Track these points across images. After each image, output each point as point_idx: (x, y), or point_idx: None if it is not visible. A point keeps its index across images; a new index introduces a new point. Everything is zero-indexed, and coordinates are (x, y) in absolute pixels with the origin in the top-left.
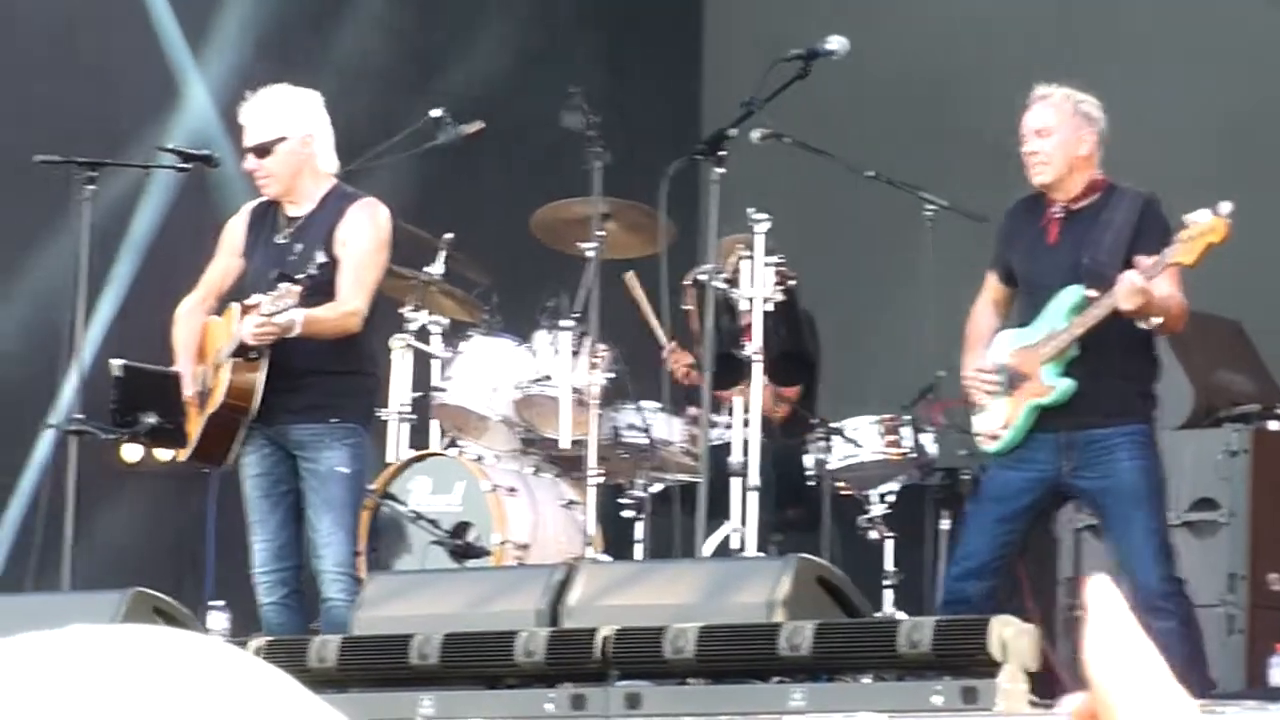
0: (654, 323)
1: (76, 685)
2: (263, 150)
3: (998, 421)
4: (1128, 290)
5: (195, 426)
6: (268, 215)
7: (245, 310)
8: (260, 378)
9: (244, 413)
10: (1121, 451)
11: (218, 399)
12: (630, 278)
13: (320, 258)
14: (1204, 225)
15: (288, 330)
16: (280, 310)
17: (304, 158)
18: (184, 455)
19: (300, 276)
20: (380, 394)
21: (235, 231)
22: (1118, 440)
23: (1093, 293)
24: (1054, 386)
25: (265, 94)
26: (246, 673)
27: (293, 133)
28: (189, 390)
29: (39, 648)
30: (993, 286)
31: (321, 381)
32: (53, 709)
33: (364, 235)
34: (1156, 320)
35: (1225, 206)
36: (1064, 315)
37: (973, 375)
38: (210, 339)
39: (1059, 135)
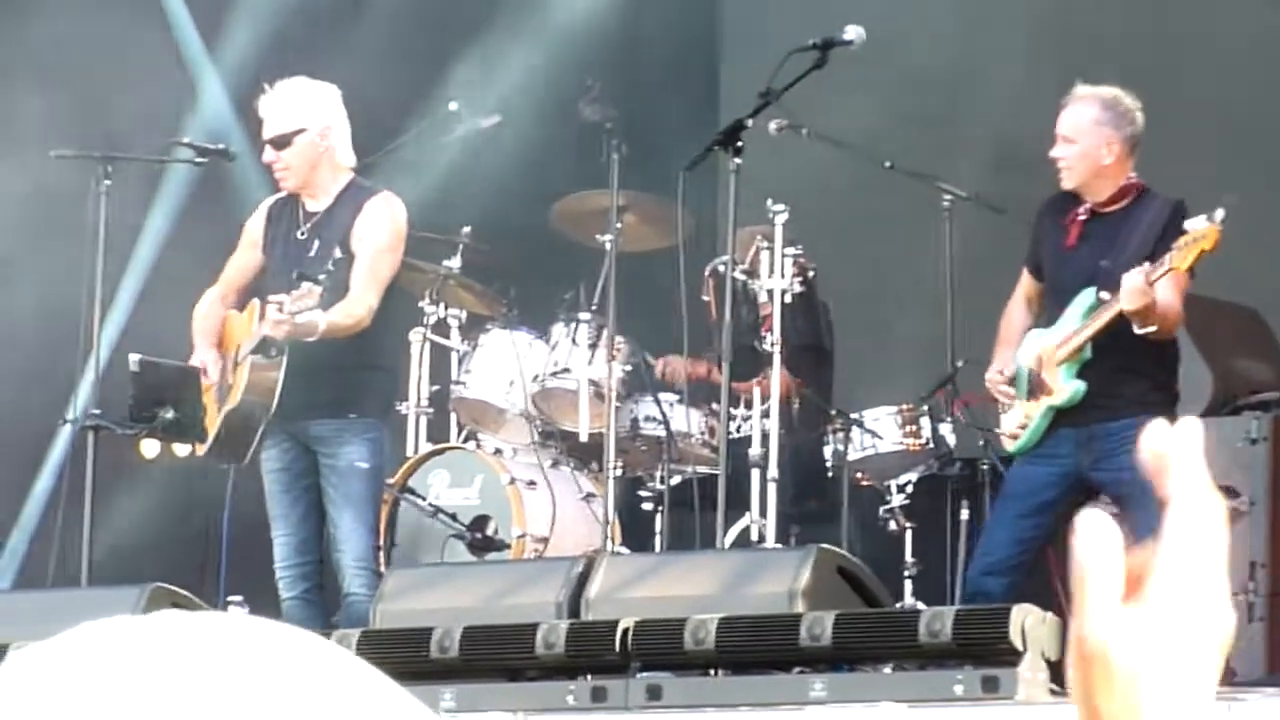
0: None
1: (180, 672)
2: (281, 142)
3: (1016, 421)
4: (1130, 291)
5: (214, 422)
6: (286, 210)
7: (266, 307)
8: (279, 374)
9: (263, 409)
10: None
11: (237, 395)
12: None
13: (336, 253)
14: (1199, 232)
15: (309, 332)
16: (301, 310)
17: (322, 150)
18: (203, 450)
19: (321, 276)
20: (399, 388)
21: (255, 227)
22: (1135, 433)
23: (1105, 295)
24: (1067, 388)
25: (284, 86)
26: (344, 663)
27: (311, 125)
28: (212, 376)
29: (136, 634)
30: (1026, 283)
31: (340, 377)
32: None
33: (379, 230)
34: (1152, 327)
35: (1219, 213)
36: (1079, 317)
37: (992, 382)
38: (230, 333)
39: (1082, 143)
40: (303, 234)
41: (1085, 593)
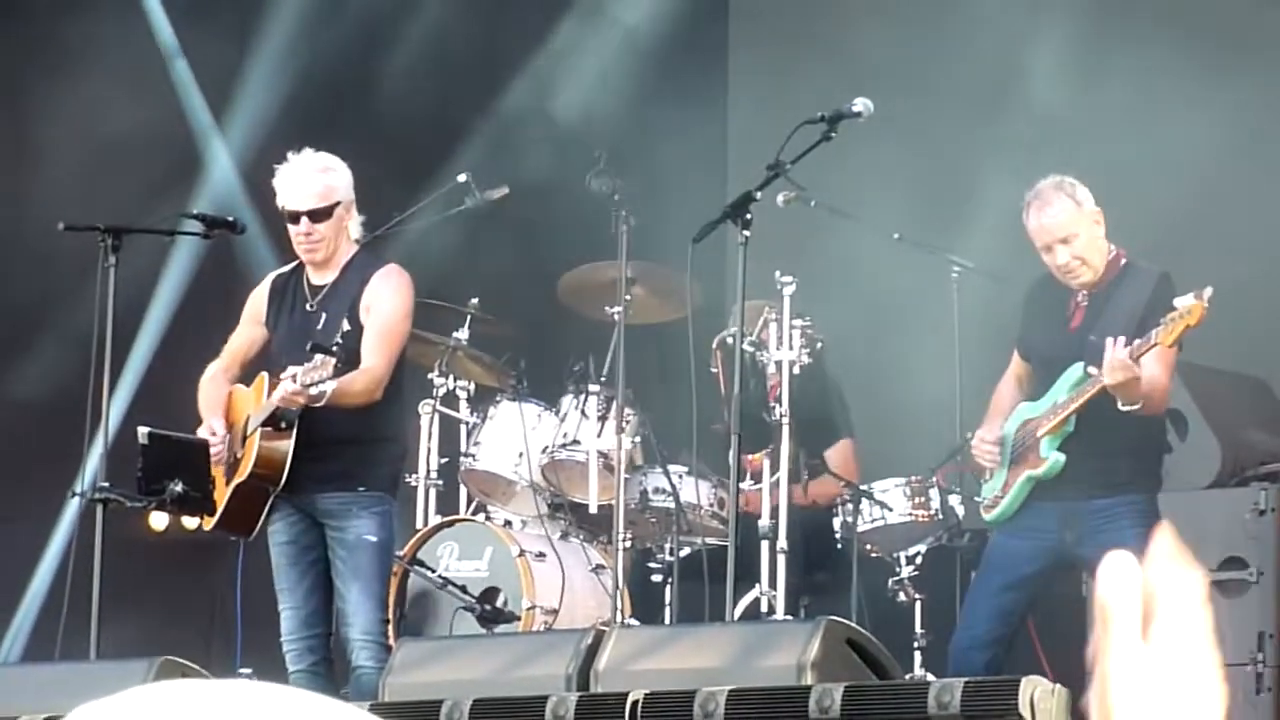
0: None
1: None
2: (320, 214)
3: (996, 489)
4: (1111, 365)
5: (222, 495)
6: (290, 283)
7: (275, 381)
8: (289, 447)
9: (272, 482)
10: (1124, 520)
11: (246, 469)
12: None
13: (345, 326)
14: (1185, 309)
15: (317, 400)
16: (315, 381)
17: (344, 223)
18: (210, 524)
19: (333, 348)
20: (408, 460)
21: (258, 301)
22: (1119, 510)
23: (1093, 370)
24: (1046, 460)
25: (314, 158)
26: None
27: (343, 198)
28: (217, 447)
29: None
30: (1016, 362)
31: (349, 450)
32: None
33: (388, 302)
34: (1135, 404)
35: (1207, 291)
36: (1066, 390)
37: (977, 444)
38: (236, 407)
39: (1083, 234)
40: (311, 307)
41: (1110, 629)
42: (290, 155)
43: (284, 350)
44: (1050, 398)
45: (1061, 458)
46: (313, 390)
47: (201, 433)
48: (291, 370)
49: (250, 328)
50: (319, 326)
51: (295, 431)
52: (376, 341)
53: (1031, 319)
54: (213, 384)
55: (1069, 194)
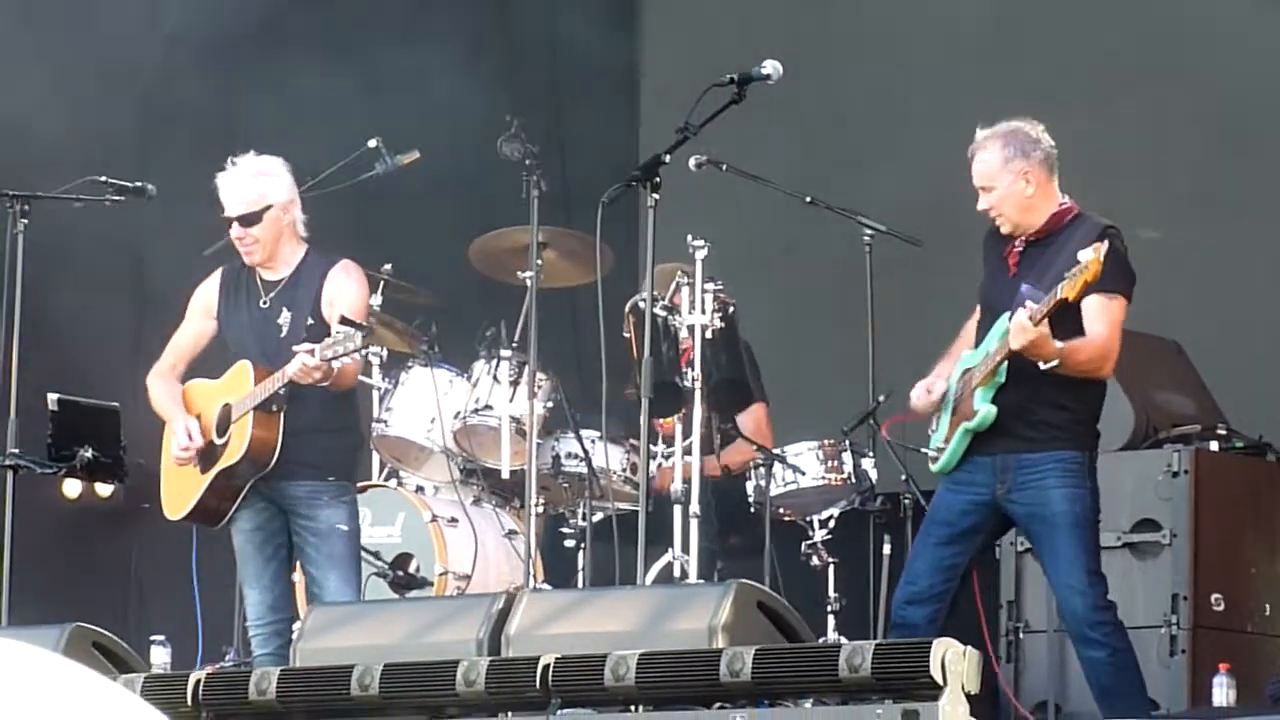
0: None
1: None
2: (250, 219)
3: (940, 440)
4: (1015, 328)
5: (191, 484)
6: (241, 278)
7: (261, 370)
8: (279, 431)
9: (261, 467)
10: (1051, 478)
11: (236, 453)
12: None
13: (309, 320)
14: (1085, 262)
15: (329, 377)
16: (339, 355)
17: (285, 224)
18: (178, 514)
19: (363, 324)
20: (367, 451)
21: (207, 295)
22: (1048, 466)
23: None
24: (978, 411)
25: (251, 163)
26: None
27: (277, 199)
28: (196, 441)
29: None
30: (977, 309)
31: (321, 438)
32: None
33: (350, 296)
34: (1052, 363)
35: (1104, 245)
36: (996, 339)
37: (917, 392)
38: (197, 401)
39: (1000, 186)
40: (265, 303)
41: None
42: (232, 161)
43: (241, 343)
44: (985, 346)
45: (993, 410)
46: (335, 364)
47: (177, 430)
48: (307, 345)
49: (200, 321)
50: (279, 320)
51: (282, 416)
52: None
53: (985, 265)
54: (164, 382)
55: (999, 144)
